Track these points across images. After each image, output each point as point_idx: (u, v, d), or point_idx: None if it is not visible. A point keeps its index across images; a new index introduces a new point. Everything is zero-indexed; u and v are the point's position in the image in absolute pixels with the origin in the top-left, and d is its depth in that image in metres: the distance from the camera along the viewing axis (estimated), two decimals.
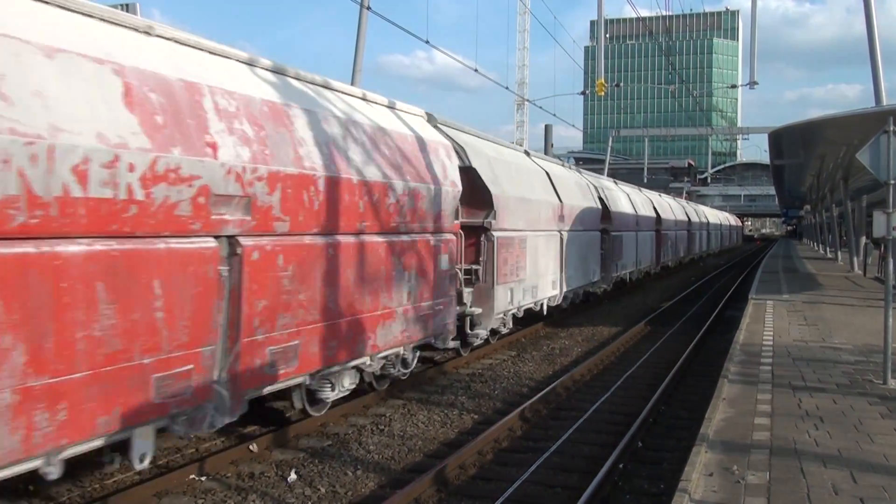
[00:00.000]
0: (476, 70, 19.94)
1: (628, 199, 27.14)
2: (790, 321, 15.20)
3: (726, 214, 79.79)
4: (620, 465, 8.05)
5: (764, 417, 7.65)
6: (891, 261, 9.74)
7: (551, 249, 16.77)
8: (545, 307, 16.76)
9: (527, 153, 18.14)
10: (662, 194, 41.40)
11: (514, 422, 9.63)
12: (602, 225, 22.07)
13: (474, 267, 13.01)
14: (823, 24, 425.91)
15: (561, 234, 17.54)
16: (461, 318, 12.49)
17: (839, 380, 9.57)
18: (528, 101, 44.98)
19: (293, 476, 7.79)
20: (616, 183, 28.73)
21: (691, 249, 44.40)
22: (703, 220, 51.98)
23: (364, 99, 10.35)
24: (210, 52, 7.32)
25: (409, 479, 7.51)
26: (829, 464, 6.21)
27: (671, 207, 38.15)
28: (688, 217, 43.03)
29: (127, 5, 7.52)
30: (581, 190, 20.57)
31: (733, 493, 5.54)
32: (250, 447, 8.48)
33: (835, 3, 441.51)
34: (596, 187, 22.61)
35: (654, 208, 32.23)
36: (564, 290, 17.91)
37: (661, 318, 20.60)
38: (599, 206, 21.80)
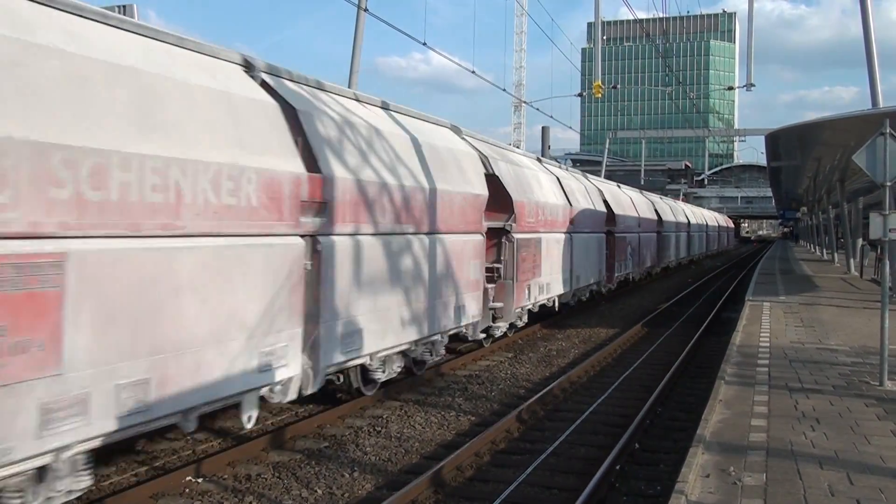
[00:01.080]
0: (473, 72, 19.95)
1: (556, 186, 18.99)
2: (787, 323, 15.21)
3: (715, 214, 72.70)
4: (617, 467, 8.06)
5: (761, 419, 7.66)
6: (887, 262, 9.77)
7: (257, 282, 7.46)
8: (253, 417, 7.73)
9: (264, 82, 8.37)
10: (622, 186, 32.29)
11: (512, 423, 9.63)
12: (492, 221, 14.08)
13: None
14: (819, 26, 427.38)
15: (314, 243, 8.35)
16: None
17: (836, 381, 9.58)
18: (525, 102, 45.05)
19: None
20: (540, 161, 19.98)
21: (664, 257, 35.91)
22: (683, 219, 43.72)
23: None
24: None
25: (406, 481, 7.50)
26: (826, 465, 6.22)
27: (633, 202, 29.80)
28: (658, 215, 34.26)
29: (124, 7, 7.50)
30: (434, 157, 11.67)
31: (730, 495, 5.54)
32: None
33: (830, 5, 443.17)
34: (488, 161, 14.10)
35: (605, 202, 24.29)
36: (323, 364, 8.46)
37: (658, 319, 20.60)
38: (484, 193, 13.25)
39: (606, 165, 62.57)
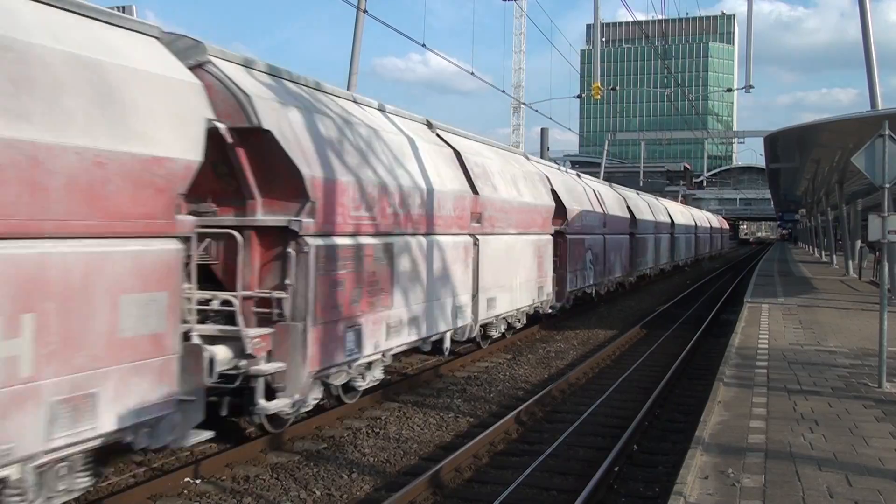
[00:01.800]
0: (472, 73, 19.95)
1: (448, 163, 12.53)
2: (785, 324, 15.22)
3: (706, 214, 67.42)
4: (616, 469, 8.06)
5: (759, 420, 7.66)
6: (886, 264, 9.78)
7: None
8: None
9: None
10: (583, 176, 26.46)
11: (510, 425, 9.62)
12: (270, 215, 8.20)
13: None
14: (817, 28, 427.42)
15: None
16: None
17: (834, 383, 9.59)
18: (524, 104, 45.08)
19: None
20: (431, 126, 13.18)
21: (638, 264, 30.22)
22: (664, 219, 37.38)
23: None
24: None
25: (404, 482, 7.50)
26: (825, 467, 6.22)
27: (597, 196, 24.03)
28: (631, 213, 28.66)
29: (123, 7, 7.50)
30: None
31: (729, 496, 5.54)
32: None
33: (828, 7, 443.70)
34: (250, 101, 7.61)
35: (554, 192, 18.36)
36: None
37: (656, 321, 20.60)
38: (182, 157, 6.47)
39: (605, 167, 62.53)
